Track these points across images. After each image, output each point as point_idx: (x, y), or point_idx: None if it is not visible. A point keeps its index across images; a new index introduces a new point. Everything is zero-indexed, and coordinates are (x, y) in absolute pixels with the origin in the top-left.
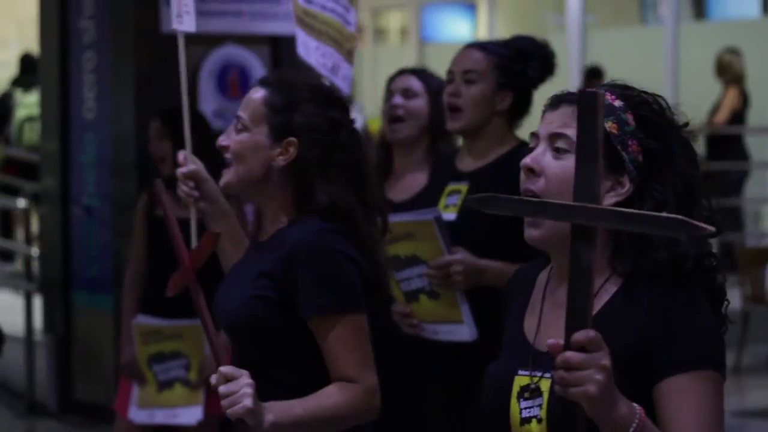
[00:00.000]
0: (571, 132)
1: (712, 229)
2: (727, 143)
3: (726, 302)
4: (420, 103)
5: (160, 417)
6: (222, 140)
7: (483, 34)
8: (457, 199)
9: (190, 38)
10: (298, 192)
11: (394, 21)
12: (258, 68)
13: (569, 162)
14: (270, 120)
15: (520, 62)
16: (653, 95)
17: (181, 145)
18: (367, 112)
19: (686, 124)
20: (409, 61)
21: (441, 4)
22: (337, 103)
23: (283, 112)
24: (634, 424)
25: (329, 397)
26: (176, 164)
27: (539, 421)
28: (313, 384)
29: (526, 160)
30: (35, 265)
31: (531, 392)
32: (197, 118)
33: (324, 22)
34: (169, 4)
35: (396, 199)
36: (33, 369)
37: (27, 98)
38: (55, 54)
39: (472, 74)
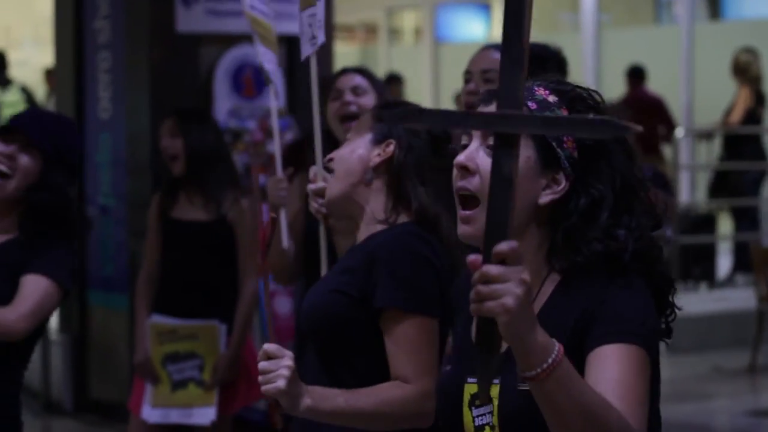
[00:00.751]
0: None
1: (639, 128)
2: (744, 143)
3: (672, 290)
4: (370, 100)
5: (175, 417)
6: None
7: (497, 34)
8: None
9: (205, 38)
10: (389, 197)
11: (408, 21)
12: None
13: None
14: (374, 126)
15: (538, 65)
16: (588, 90)
17: (193, 143)
18: None
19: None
20: (424, 60)
21: (455, 4)
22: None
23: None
24: (551, 359)
25: (377, 393)
26: (187, 163)
27: (492, 428)
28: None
29: (460, 158)
30: None
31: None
32: (205, 117)
33: (261, 25)
34: (186, 5)
35: None
36: (49, 368)
37: (7, 96)
38: (70, 54)
39: (491, 73)
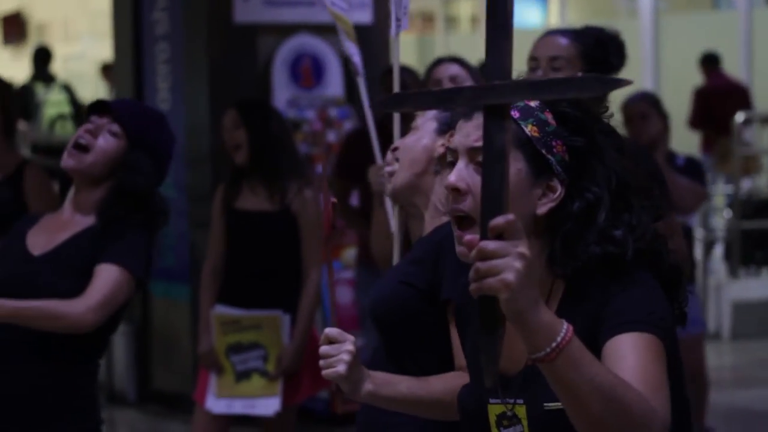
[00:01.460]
0: None
1: (631, 80)
2: None
3: (682, 278)
4: None
5: (238, 407)
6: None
7: (554, 20)
8: None
9: (263, 28)
10: None
11: (465, 9)
12: (331, 57)
13: None
14: (438, 117)
15: (601, 49)
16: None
17: (256, 133)
18: None
19: (606, 112)
20: (481, 48)
21: None
22: None
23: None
24: (560, 337)
25: (441, 382)
26: (250, 153)
27: None
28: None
29: (451, 180)
30: None
31: (509, 419)
32: (268, 107)
33: (342, 20)
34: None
35: None
36: (112, 359)
37: (53, 95)
38: (128, 46)
39: (560, 61)
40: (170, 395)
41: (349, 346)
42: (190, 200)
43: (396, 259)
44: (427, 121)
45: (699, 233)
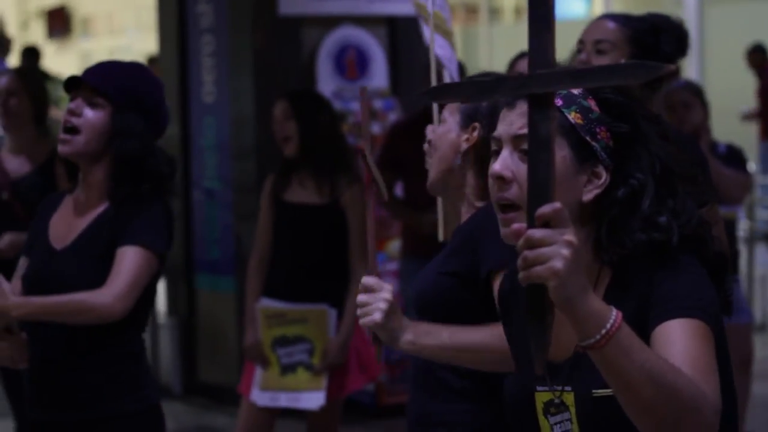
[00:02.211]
0: None
1: (674, 66)
2: None
3: (727, 266)
4: None
5: (283, 400)
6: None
7: (599, 10)
8: None
9: (308, 20)
10: (481, 178)
11: (508, 0)
12: (376, 49)
13: None
14: (462, 108)
15: (653, 36)
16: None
17: (306, 125)
18: None
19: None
20: (525, 39)
21: None
22: None
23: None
24: (609, 324)
25: (484, 329)
26: (300, 145)
27: None
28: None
29: (495, 168)
30: None
31: (556, 407)
32: (319, 99)
33: (434, 15)
34: None
35: None
36: (157, 352)
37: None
38: (173, 39)
39: (604, 44)
40: (215, 388)
41: (386, 294)
42: (235, 192)
43: (441, 235)
44: (452, 113)
45: (744, 224)
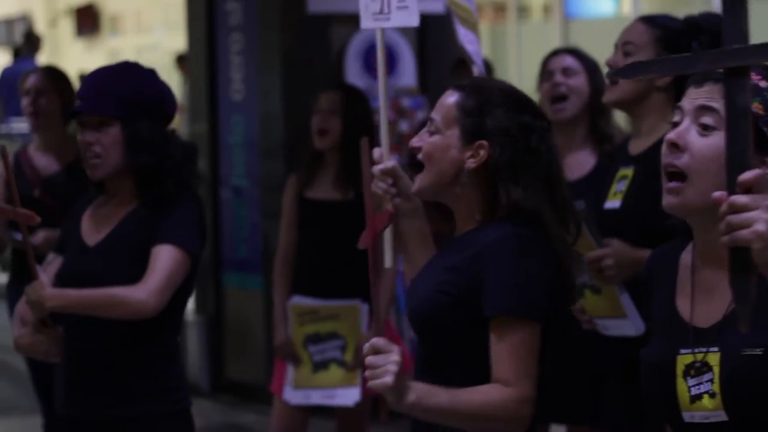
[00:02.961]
0: (719, 105)
1: None
2: None
3: None
4: (580, 81)
5: (317, 398)
6: (415, 142)
7: (627, 9)
8: (623, 185)
9: (336, 18)
10: (487, 194)
11: None
12: (404, 47)
13: (715, 140)
14: (462, 123)
15: (687, 37)
16: None
17: (351, 121)
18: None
19: None
20: (553, 38)
21: None
22: (528, 108)
23: (475, 115)
24: None
25: (479, 394)
26: (341, 140)
27: (712, 395)
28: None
29: (671, 135)
30: None
31: (697, 369)
32: (365, 97)
33: (461, 7)
34: None
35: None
36: (185, 349)
37: None
38: (202, 36)
39: (630, 46)
40: (243, 385)
41: (396, 357)
42: (263, 190)
43: (388, 261)
44: (447, 126)
45: None
